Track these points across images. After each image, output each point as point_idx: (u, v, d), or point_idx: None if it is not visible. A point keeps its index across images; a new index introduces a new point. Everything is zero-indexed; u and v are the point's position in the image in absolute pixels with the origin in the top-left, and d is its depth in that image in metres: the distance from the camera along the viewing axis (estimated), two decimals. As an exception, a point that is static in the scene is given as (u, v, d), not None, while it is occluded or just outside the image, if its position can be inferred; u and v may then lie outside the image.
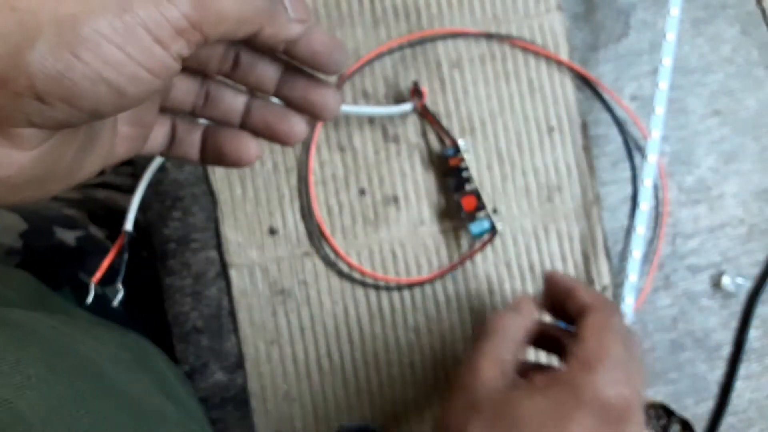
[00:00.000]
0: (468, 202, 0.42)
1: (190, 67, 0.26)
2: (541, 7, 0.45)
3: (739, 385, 0.43)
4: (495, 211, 0.42)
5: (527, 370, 0.33)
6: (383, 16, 0.45)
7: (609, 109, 0.44)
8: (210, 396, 0.44)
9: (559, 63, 0.44)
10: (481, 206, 0.42)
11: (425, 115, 0.44)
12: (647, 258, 0.43)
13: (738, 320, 0.43)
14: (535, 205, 0.44)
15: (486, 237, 0.42)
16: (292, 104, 0.28)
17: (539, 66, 0.44)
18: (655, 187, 0.44)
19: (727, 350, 0.43)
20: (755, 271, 0.43)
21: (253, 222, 0.44)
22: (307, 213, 0.44)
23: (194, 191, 0.45)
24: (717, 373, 0.43)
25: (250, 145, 0.28)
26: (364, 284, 0.44)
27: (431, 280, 0.44)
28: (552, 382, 0.30)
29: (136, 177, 0.41)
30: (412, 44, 0.44)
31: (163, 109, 0.28)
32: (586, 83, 0.44)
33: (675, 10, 0.41)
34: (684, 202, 0.44)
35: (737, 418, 0.43)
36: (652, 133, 0.41)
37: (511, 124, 0.44)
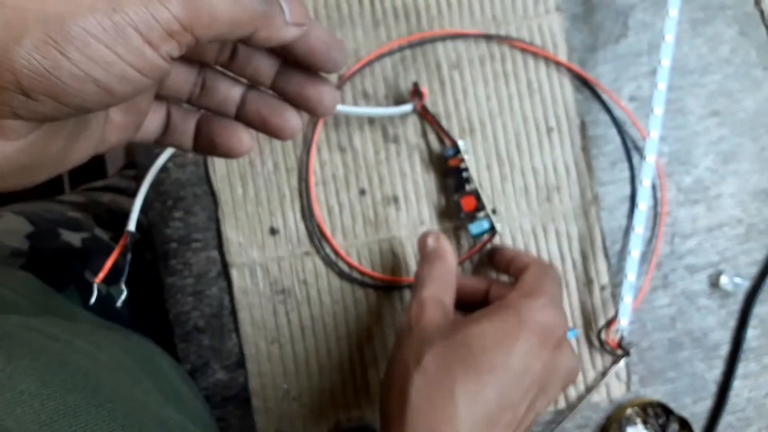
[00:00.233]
0: (467, 203, 0.42)
1: (188, 57, 0.26)
2: (540, 8, 0.45)
3: (737, 384, 0.43)
4: (494, 211, 0.43)
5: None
6: (383, 18, 0.45)
7: (608, 109, 0.45)
8: (211, 395, 0.44)
9: (558, 64, 0.44)
10: (480, 207, 0.42)
11: (425, 115, 0.44)
12: (646, 258, 0.43)
13: (736, 320, 0.43)
14: (534, 205, 0.44)
15: (485, 237, 0.42)
16: (288, 98, 0.28)
17: (538, 67, 0.45)
18: (654, 187, 0.44)
19: (725, 349, 0.43)
20: (753, 270, 0.44)
21: (254, 222, 0.44)
22: (307, 213, 0.44)
23: (195, 191, 0.45)
24: (715, 373, 0.43)
25: (242, 137, 0.28)
26: (364, 284, 0.44)
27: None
28: (495, 309, 0.34)
29: (140, 180, 0.42)
30: (412, 45, 0.45)
31: (159, 97, 0.28)
32: (584, 84, 0.45)
33: (674, 11, 0.41)
34: (682, 202, 0.44)
35: (735, 417, 0.43)
36: (650, 133, 0.41)
37: (511, 124, 0.44)
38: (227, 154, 0.28)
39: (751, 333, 0.43)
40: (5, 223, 0.47)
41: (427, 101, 0.44)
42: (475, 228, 0.42)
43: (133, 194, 0.42)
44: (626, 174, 0.44)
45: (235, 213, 0.44)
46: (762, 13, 0.45)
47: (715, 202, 0.44)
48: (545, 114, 0.44)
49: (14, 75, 0.19)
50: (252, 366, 0.44)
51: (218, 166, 0.45)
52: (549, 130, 0.44)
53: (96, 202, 0.60)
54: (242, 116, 0.28)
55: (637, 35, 0.45)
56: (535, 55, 0.44)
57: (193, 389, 0.41)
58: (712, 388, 0.43)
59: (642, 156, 0.42)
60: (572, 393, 0.43)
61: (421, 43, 0.45)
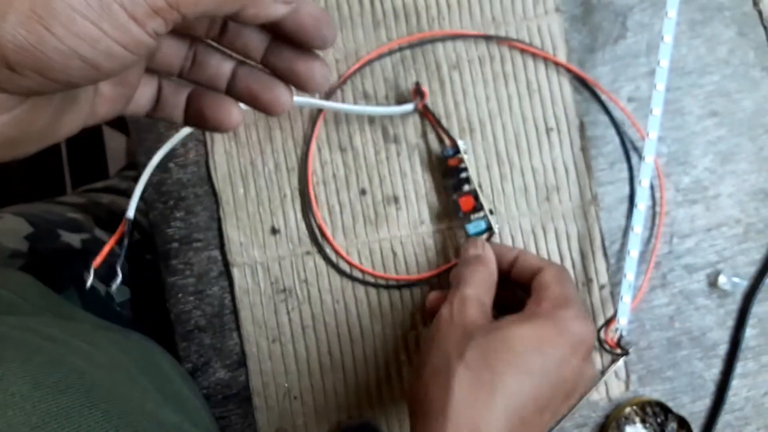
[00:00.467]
0: (466, 202, 0.42)
1: (177, 31, 0.26)
2: (540, 10, 0.45)
3: (735, 383, 0.43)
4: (492, 212, 0.43)
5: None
6: (383, 18, 0.45)
7: (606, 110, 0.45)
8: (212, 394, 0.44)
9: (557, 64, 0.45)
10: (479, 206, 0.42)
11: (426, 114, 0.44)
12: (644, 257, 0.44)
13: (734, 319, 0.44)
14: (534, 205, 0.44)
15: (483, 237, 0.43)
16: (279, 74, 0.27)
17: (537, 67, 0.45)
18: (652, 187, 0.44)
19: (723, 349, 0.44)
20: (751, 270, 0.44)
21: (255, 221, 0.45)
22: (308, 213, 0.45)
23: (197, 191, 0.45)
24: (713, 372, 0.43)
25: (232, 111, 0.28)
26: (364, 283, 0.44)
27: (431, 279, 0.44)
28: (533, 315, 0.35)
29: (141, 169, 0.42)
30: (412, 45, 0.45)
31: (150, 70, 0.28)
32: (583, 84, 0.45)
33: (672, 12, 0.41)
34: (681, 202, 0.44)
35: (734, 416, 0.43)
36: (649, 133, 0.41)
37: (510, 124, 0.45)
38: (217, 127, 0.28)
39: (749, 332, 0.43)
40: (4, 224, 0.47)
41: (428, 101, 0.44)
42: (472, 228, 0.42)
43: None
44: (625, 174, 0.44)
45: (236, 213, 0.45)
46: (760, 13, 0.45)
47: (713, 202, 0.44)
48: (544, 114, 0.45)
49: (0, 50, 0.19)
50: (253, 365, 0.44)
51: (219, 166, 0.45)
52: (548, 131, 0.45)
53: (96, 204, 0.60)
54: (233, 91, 0.28)
55: (635, 36, 0.45)
56: (534, 55, 0.45)
57: (193, 389, 0.41)
58: (711, 387, 0.43)
59: (641, 156, 0.42)
60: (571, 392, 0.43)
61: (422, 43, 0.45)
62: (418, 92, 0.43)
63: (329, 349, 0.44)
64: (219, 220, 0.45)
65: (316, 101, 0.43)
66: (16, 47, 0.19)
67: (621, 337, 0.41)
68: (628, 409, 0.42)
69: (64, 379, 0.28)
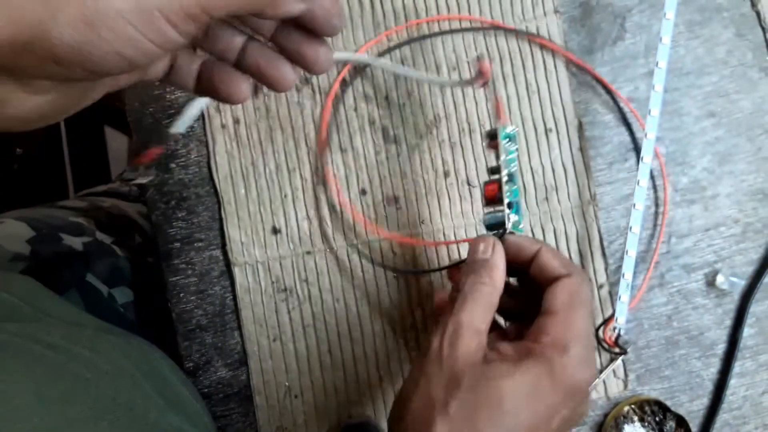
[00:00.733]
0: (490, 189, 0.38)
1: None
2: (539, 11, 0.45)
3: (733, 382, 0.43)
4: (510, 206, 0.38)
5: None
6: (383, 19, 0.46)
7: (616, 105, 0.45)
8: (213, 392, 0.45)
9: (568, 59, 0.45)
10: (499, 198, 0.37)
11: (486, 89, 0.43)
12: (643, 257, 0.44)
13: (732, 318, 0.44)
14: (533, 205, 0.45)
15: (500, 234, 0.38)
16: (286, 54, 0.29)
17: (537, 69, 0.45)
18: (652, 187, 0.44)
19: (721, 348, 0.44)
20: (749, 270, 0.44)
21: (256, 221, 0.45)
22: (308, 213, 0.45)
23: (198, 191, 0.46)
24: (712, 371, 0.44)
25: (242, 86, 0.29)
26: (364, 282, 0.44)
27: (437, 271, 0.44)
28: (526, 358, 0.31)
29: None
30: (410, 41, 0.45)
31: None
32: (586, 83, 0.45)
33: (670, 14, 0.42)
34: (679, 202, 0.44)
35: (732, 415, 0.43)
36: (647, 134, 0.42)
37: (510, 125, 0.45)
38: (226, 99, 0.30)
39: (747, 331, 0.43)
40: (6, 228, 0.48)
41: (428, 101, 0.44)
42: (488, 220, 0.37)
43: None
44: (624, 174, 0.45)
45: (237, 213, 0.45)
46: (758, 14, 0.45)
47: (711, 202, 0.44)
48: (544, 115, 0.45)
49: (51, 49, 0.21)
50: (254, 364, 0.44)
51: (221, 166, 0.45)
52: (547, 131, 0.45)
53: (97, 207, 0.60)
54: (242, 64, 0.29)
55: (634, 37, 0.45)
56: (534, 56, 0.45)
57: (192, 392, 0.41)
58: (709, 386, 0.44)
59: (639, 157, 0.42)
60: (570, 391, 0.44)
61: (422, 38, 0.45)
62: (480, 71, 0.37)
63: (329, 348, 0.44)
64: (220, 219, 0.45)
65: (364, 57, 0.43)
66: (64, 46, 0.21)
67: (619, 336, 0.42)
68: (626, 408, 0.43)
69: (70, 391, 0.28)
